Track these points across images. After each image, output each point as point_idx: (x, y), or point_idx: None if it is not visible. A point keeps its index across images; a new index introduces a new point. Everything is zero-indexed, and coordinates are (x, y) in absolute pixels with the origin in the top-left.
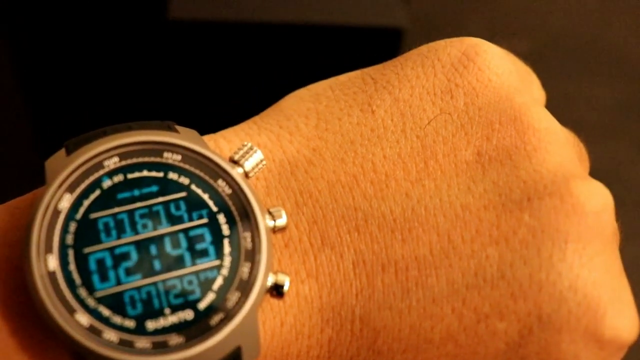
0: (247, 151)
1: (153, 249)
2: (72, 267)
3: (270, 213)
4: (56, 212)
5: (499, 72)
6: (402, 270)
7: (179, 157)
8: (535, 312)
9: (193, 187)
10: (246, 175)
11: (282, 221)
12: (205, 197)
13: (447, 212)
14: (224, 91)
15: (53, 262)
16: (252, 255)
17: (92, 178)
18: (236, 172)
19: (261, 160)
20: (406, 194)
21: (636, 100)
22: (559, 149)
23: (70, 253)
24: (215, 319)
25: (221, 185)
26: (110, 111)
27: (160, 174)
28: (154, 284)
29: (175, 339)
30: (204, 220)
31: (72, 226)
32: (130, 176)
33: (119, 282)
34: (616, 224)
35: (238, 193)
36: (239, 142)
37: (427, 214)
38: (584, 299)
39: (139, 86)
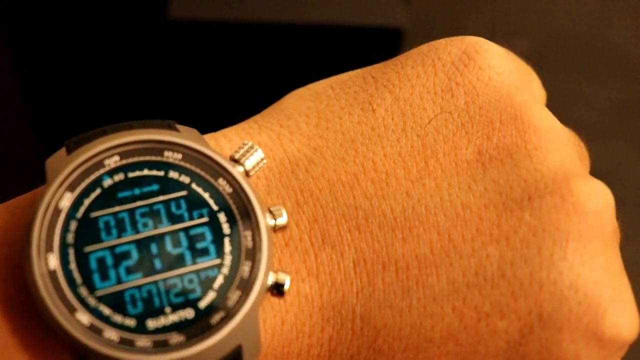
0: (248, 150)
1: (154, 248)
2: (73, 266)
3: (270, 212)
4: (57, 211)
5: (499, 71)
6: (402, 269)
7: (179, 156)
8: (535, 310)
9: (194, 185)
10: (247, 174)
11: (282, 220)
12: (206, 195)
13: (447, 211)
14: (224, 91)
15: (54, 261)
16: (253, 254)
17: (92, 177)
18: (237, 171)
19: (262, 159)
20: (407, 192)
21: (636, 100)
22: (560, 148)
23: (71, 252)
24: (216, 318)
25: (222, 184)
26: (110, 111)
27: (161, 173)
28: (155, 282)
29: (175, 338)
30: (205, 219)
31: (73, 225)
32: (130, 175)
33: (119, 281)
34: (617, 223)
35: (239, 192)
36: (239, 141)
37: (428, 213)
38: (585, 298)
39: (139, 86)
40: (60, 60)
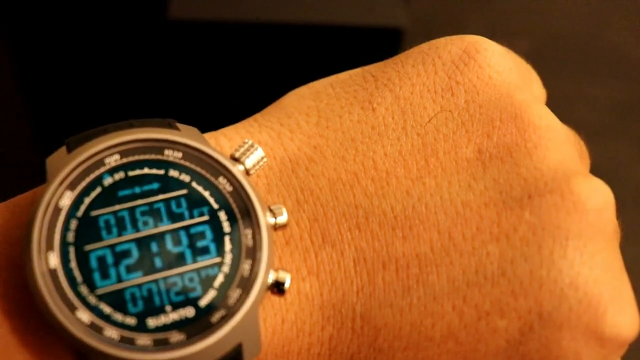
0: (248, 148)
1: (154, 247)
2: (73, 264)
3: (271, 210)
4: (57, 210)
5: (499, 70)
6: (402, 267)
7: (179, 155)
8: (535, 309)
9: (194, 184)
10: (247, 172)
11: (283, 218)
12: (206, 194)
13: (447, 209)
14: (224, 91)
15: (54, 260)
16: (253, 253)
17: (93, 175)
18: (237, 170)
19: (262, 158)
20: (407, 191)
21: (636, 100)
22: (560, 147)
23: (71, 250)
24: (216, 316)
25: (222, 182)
26: (110, 111)
27: (161, 172)
28: (155, 281)
29: (176, 336)
30: (205, 218)
31: (73, 224)
32: (131, 173)
33: (119, 280)
34: (617, 222)
35: (239, 190)
36: (239, 139)
37: (428, 212)
38: (585, 297)
39: (139, 86)
40: (60, 60)
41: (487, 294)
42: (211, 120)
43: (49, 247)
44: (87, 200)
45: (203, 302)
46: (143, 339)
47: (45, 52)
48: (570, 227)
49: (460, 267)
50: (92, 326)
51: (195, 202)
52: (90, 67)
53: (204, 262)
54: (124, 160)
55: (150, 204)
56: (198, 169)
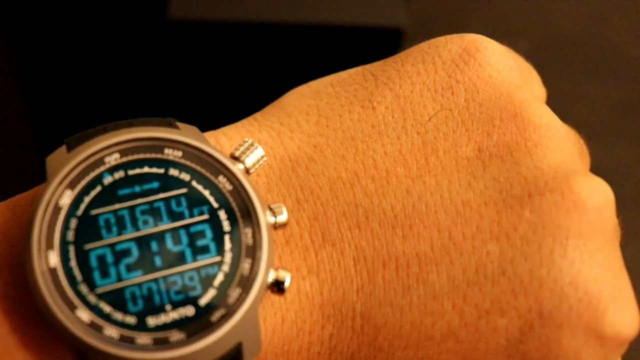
0: (248, 147)
1: (154, 245)
2: (73, 263)
3: (271, 209)
4: (57, 209)
5: (499, 69)
6: (403, 266)
7: (179, 154)
8: (536, 308)
9: (194, 183)
10: (247, 171)
11: (283, 217)
12: (206, 193)
13: (447, 208)
14: (224, 91)
15: (54, 259)
16: (253, 252)
17: (92, 174)
18: (237, 168)
19: (262, 157)
20: (407, 190)
21: (636, 100)
22: (560, 145)
23: (71, 249)
24: (216, 315)
25: (222, 181)
26: (110, 111)
27: (161, 171)
28: (155, 280)
29: (176, 335)
30: (205, 217)
31: (73, 222)
32: (131, 172)
33: (119, 279)
34: (617, 221)
35: (239, 189)
36: (239, 138)
37: (428, 211)
38: (585, 295)
39: (139, 86)
40: (60, 60)
41: (487, 292)
42: (211, 120)
43: (49, 246)
44: (87, 199)
45: (203, 301)
46: (143, 338)
47: (45, 52)
48: (570, 225)
49: (461, 266)
50: (92, 325)
51: (195, 201)
52: (90, 67)
53: (204, 261)
54: (124, 159)
55: (150, 202)
56: (198, 167)
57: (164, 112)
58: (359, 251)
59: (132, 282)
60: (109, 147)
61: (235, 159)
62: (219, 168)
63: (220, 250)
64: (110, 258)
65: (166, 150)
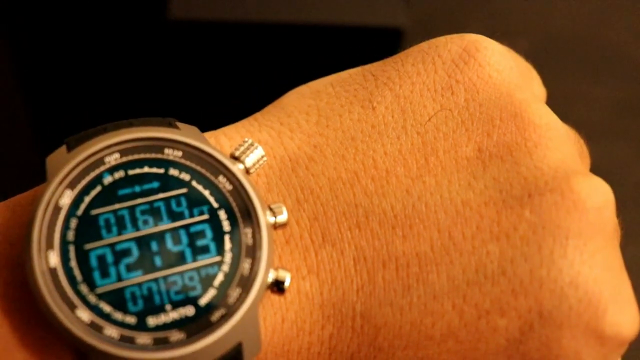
0: (248, 147)
1: (154, 245)
2: (73, 263)
3: (271, 209)
4: (57, 209)
5: (499, 69)
6: (403, 266)
7: (179, 154)
8: (536, 308)
9: (194, 183)
10: (247, 171)
11: (283, 217)
12: (206, 193)
13: (447, 208)
14: (224, 91)
15: (54, 259)
16: (253, 252)
17: (93, 174)
18: (237, 168)
19: (262, 157)
20: (407, 190)
21: (636, 100)
22: (560, 145)
23: (71, 249)
24: (216, 315)
25: (222, 181)
26: (110, 111)
27: (161, 170)
28: (155, 280)
29: (176, 335)
30: (205, 217)
31: (73, 222)
32: (131, 172)
33: (119, 279)
34: (617, 221)
35: (239, 189)
36: (239, 138)
37: (428, 211)
38: (585, 295)
39: (139, 86)
40: (60, 60)
41: (487, 292)
42: (211, 120)
43: (49, 246)
44: (87, 199)
45: (203, 301)
46: (143, 338)
47: (45, 52)
48: (570, 226)
49: (460, 266)
50: (92, 325)
51: (195, 201)
52: (90, 67)
53: (204, 261)
54: (124, 159)
55: (150, 202)
56: (198, 167)
57: (164, 112)
58: (359, 251)
59: (132, 282)
60: (109, 147)
61: (235, 159)
62: (219, 168)
63: (220, 250)
64: (110, 258)
65: (166, 150)
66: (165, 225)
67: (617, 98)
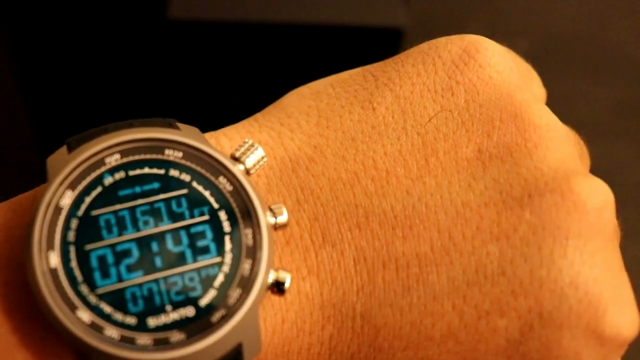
0: (248, 148)
1: (154, 246)
2: (74, 263)
3: (271, 210)
4: (58, 209)
5: (499, 69)
6: (403, 267)
7: (180, 154)
8: (536, 308)
9: (194, 184)
10: (247, 172)
11: (283, 218)
12: (207, 194)
13: (447, 209)
14: (224, 91)
15: (55, 259)
16: (253, 252)
17: (93, 175)
18: (237, 169)
19: (262, 157)
20: (407, 191)
21: (636, 100)
22: (560, 146)
23: (72, 250)
24: (217, 316)
25: (222, 182)
26: (110, 111)
27: (162, 171)
28: (155, 280)
29: (176, 336)
30: (205, 217)
31: (74, 223)
32: (131, 173)
33: (120, 279)
34: (617, 221)
35: (239, 190)
36: (240, 139)
37: (428, 211)
38: (585, 296)
39: (139, 86)
40: (60, 60)
41: (487, 293)
42: (211, 120)
43: (50, 246)
44: (87, 200)
45: (203, 302)
46: (143, 339)
47: (45, 52)
48: (570, 226)
49: (460, 267)
50: (93, 326)
51: (196, 201)
52: (90, 67)
53: (204, 261)
54: (125, 159)
55: (151, 203)
56: (198, 168)
57: (164, 113)
58: (359, 252)
59: (132, 282)
60: (109, 148)
61: (236, 159)
62: (220, 169)
63: (221, 251)
64: (110, 258)
65: (167, 151)
66: (166, 226)
67: (617, 98)
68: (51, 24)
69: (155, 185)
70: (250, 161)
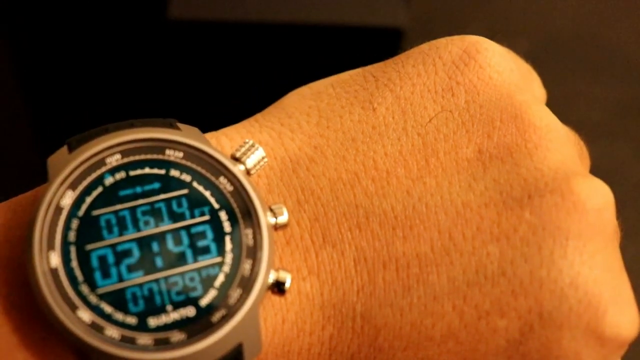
0: (249, 148)
1: (155, 246)
2: (74, 263)
3: (271, 210)
4: (58, 209)
5: (499, 70)
6: (403, 267)
7: (180, 155)
8: (536, 309)
9: (195, 184)
10: (248, 172)
11: (283, 218)
12: (207, 194)
13: (448, 209)
14: (224, 91)
15: (55, 259)
16: (254, 252)
17: (94, 175)
18: (238, 169)
19: (263, 158)
20: (407, 191)
21: (636, 100)
22: (560, 147)
23: (73, 250)
24: (217, 316)
25: (223, 182)
26: (110, 111)
27: (162, 171)
28: (156, 280)
29: (177, 336)
30: (206, 218)
31: (74, 223)
32: (132, 173)
33: (120, 279)
34: (617, 222)
35: (240, 190)
36: (240, 139)
37: (428, 212)
38: (585, 296)
39: (139, 86)
40: (60, 60)
41: (487, 293)
42: (211, 120)
43: (50, 246)
44: (88, 200)
45: (204, 302)
46: (144, 339)
47: (45, 52)
48: (570, 227)
49: (461, 267)
50: (93, 325)
51: (196, 201)
52: (90, 67)
53: (204, 261)
54: (125, 160)
55: (151, 203)
56: (199, 168)
57: (164, 113)
58: (359, 252)
59: (133, 282)
60: (110, 148)
61: (236, 159)
62: (220, 169)
63: (221, 251)
64: (111, 258)
65: (167, 151)
66: (166, 226)
67: (617, 98)
68: (51, 24)
69: (156, 185)
70: (250, 161)
